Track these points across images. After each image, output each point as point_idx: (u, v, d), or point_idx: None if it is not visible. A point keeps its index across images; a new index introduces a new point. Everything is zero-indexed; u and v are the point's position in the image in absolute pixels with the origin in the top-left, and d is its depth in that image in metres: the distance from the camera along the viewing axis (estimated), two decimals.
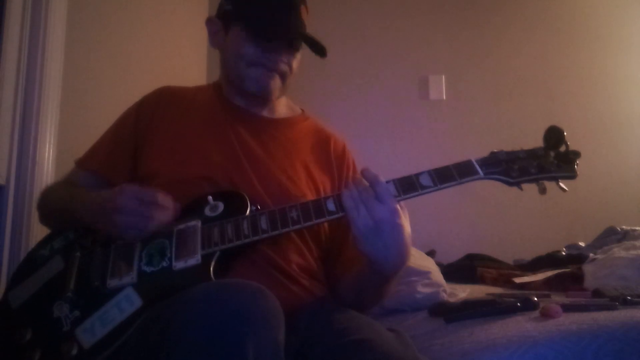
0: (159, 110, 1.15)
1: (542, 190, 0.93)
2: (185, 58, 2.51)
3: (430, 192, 0.92)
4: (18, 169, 1.44)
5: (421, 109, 2.78)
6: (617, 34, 2.80)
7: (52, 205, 1.11)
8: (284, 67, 1.09)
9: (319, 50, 1.08)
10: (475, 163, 0.94)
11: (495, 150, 0.97)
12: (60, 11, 1.56)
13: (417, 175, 0.93)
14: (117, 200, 0.88)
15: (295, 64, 1.12)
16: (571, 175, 0.94)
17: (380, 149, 2.67)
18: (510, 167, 0.94)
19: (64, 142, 1.55)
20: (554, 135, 0.94)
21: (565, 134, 0.94)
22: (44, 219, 1.15)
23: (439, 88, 2.77)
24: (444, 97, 2.77)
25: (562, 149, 0.95)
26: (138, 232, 0.90)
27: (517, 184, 0.94)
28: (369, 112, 2.76)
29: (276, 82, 1.09)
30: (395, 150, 2.68)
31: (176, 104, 1.16)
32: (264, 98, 1.13)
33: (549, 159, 0.94)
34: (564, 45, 2.80)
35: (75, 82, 1.63)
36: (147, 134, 1.12)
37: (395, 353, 0.82)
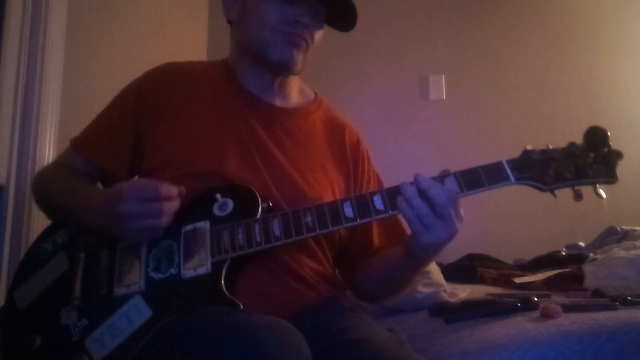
0: (163, 92, 1.06)
1: (578, 197, 0.85)
2: (186, 57, 2.51)
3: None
4: (18, 169, 1.45)
5: (421, 109, 2.78)
6: (617, 34, 2.80)
7: (48, 196, 1.04)
8: (308, 37, 1.02)
9: (346, 18, 1.03)
10: (506, 166, 0.86)
11: (529, 149, 0.88)
12: (60, 11, 1.56)
13: (442, 177, 0.87)
14: (119, 208, 0.83)
15: (317, 37, 1.05)
16: (612, 180, 0.86)
17: (380, 149, 2.66)
18: (545, 172, 0.86)
19: (64, 142, 1.53)
20: (597, 136, 0.87)
21: (609, 134, 0.86)
22: (39, 204, 1.08)
23: (439, 88, 2.77)
24: (444, 97, 2.77)
25: (605, 150, 0.87)
26: (152, 233, 0.87)
27: (551, 191, 0.87)
28: (369, 112, 2.76)
29: (300, 53, 1.02)
30: (395, 150, 2.68)
31: (182, 86, 1.07)
32: (285, 69, 1.04)
33: (588, 160, 0.86)
34: (564, 45, 2.79)
35: (75, 82, 1.63)
36: (150, 118, 1.04)
37: (390, 351, 0.82)
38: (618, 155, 0.87)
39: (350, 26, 1.07)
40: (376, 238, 1.10)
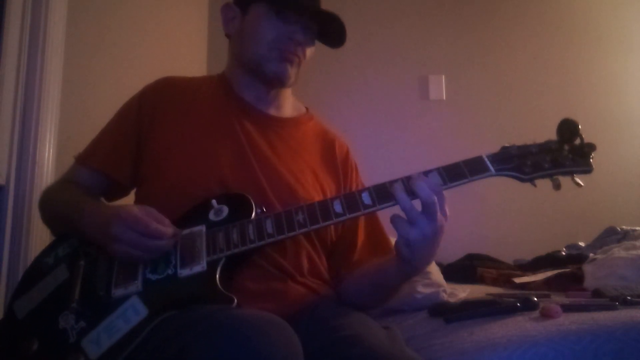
0: (162, 103, 1.11)
1: (557, 186, 0.89)
2: (186, 58, 2.51)
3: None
4: (18, 169, 1.44)
5: (421, 109, 2.78)
6: (617, 34, 2.80)
7: (54, 210, 1.08)
8: (300, 53, 1.08)
9: (336, 36, 1.09)
10: (486, 159, 0.90)
11: (507, 145, 0.93)
12: (60, 11, 1.56)
13: (426, 173, 0.89)
14: (112, 229, 0.87)
15: (309, 52, 1.11)
16: (587, 169, 0.90)
17: (380, 149, 2.67)
18: (523, 163, 0.90)
19: (64, 142, 1.55)
20: (568, 128, 0.91)
21: (580, 126, 0.90)
22: (46, 221, 1.12)
23: (439, 88, 2.77)
24: (444, 97, 2.77)
25: (577, 142, 0.90)
26: (134, 260, 0.90)
27: (531, 180, 0.90)
28: (369, 111, 2.76)
29: (293, 68, 1.09)
30: (395, 150, 2.68)
31: (180, 97, 1.12)
32: (279, 83, 1.10)
33: (563, 153, 0.90)
34: (564, 45, 2.80)
35: (75, 82, 1.63)
36: (150, 128, 1.08)
37: (382, 347, 0.84)
38: (591, 147, 0.90)
39: (339, 43, 1.11)
40: (360, 241, 1.12)
